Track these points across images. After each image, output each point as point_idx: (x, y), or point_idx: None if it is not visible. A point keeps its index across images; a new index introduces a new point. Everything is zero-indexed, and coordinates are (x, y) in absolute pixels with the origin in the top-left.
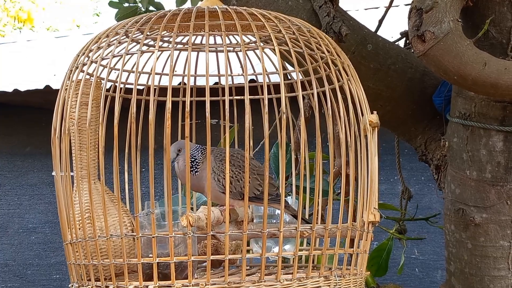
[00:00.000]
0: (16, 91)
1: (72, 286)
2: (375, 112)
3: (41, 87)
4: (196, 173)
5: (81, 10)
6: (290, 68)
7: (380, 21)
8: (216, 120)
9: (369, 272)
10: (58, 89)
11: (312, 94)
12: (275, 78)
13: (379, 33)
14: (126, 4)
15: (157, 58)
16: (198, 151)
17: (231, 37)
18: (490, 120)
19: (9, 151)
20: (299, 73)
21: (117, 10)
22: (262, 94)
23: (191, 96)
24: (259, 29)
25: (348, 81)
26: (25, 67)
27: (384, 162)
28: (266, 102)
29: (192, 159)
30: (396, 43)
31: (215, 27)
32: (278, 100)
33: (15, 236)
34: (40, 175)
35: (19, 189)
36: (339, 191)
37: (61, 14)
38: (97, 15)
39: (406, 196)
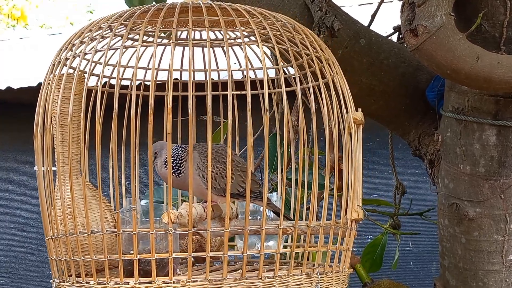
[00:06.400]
0: (9, 88)
1: (54, 281)
2: (360, 109)
3: (34, 84)
4: (180, 175)
5: (74, 8)
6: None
7: (373, 16)
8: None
9: (352, 270)
10: None
11: (296, 90)
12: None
13: (372, 28)
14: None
15: (141, 54)
16: (178, 149)
17: (217, 32)
18: (483, 114)
19: (0, 147)
20: (288, 69)
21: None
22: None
23: (177, 91)
24: (244, 25)
25: (333, 78)
26: (18, 64)
27: (378, 156)
28: (249, 99)
29: (173, 162)
30: (389, 37)
31: (199, 22)
32: (270, 94)
33: (7, 231)
34: (32, 170)
35: (10, 184)
36: (331, 187)
37: (55, 11)
38: (90, 12)
39: (400, 191)
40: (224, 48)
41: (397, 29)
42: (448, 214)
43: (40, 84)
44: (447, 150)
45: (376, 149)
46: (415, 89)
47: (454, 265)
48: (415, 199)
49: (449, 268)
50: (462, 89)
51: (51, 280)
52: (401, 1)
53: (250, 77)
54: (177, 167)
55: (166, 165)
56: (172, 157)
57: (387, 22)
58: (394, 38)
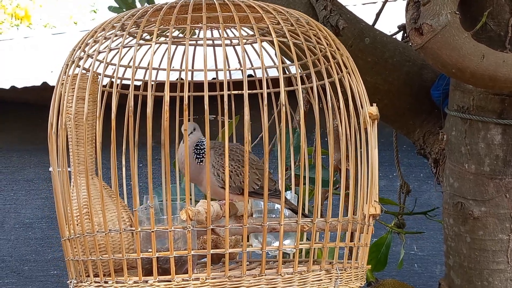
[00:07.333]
0: (13, 88)
1: (71, 282)
2: (374, 104)
3: (38, 83)
4: (201, 163)
5: (78, 7)
6: (287, 62)
7: (378, 15)
8: (214, 116)
9: (370, 266)
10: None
11: (311, 88)
12: (273, 73)
13: (376, 26)
14: (125, 10)
15: (154, 52)
16: (203, 143)
17: (228, 30)
18: (488, 113)
19: (5, 147)
20: (298, 67)
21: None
22: (260, 88)
23: (188, 91)
24: (257, 21)
25: (348, 74)
26: (22, 64)
27: (382, 158)
28: (265, 94)
29: (201, 147)
30: (394, 36)
31: (213, 19)
32: (276, 94)
33: (12, 231)
34: (36, 170)
35: (15, 184)
36: (338, 185)
37: (58, 11)
38: (94, 11)
39: (405, 190)
40: (236, 46)
41: (401, 28)
42: (453, 213)
43: (44, 83)
44: (452, 149)
45: (380, 150)
46: (420, 88)
47: (459, 264)
48: (420, 203)
49: (454, 267)
50: (467, 88)
51: (68, 281)
52: (406, 0)
53: (257, 75)
54: (202, 154)
55: (193, 151)
56: (197, 145)
57: (391, 21)
58: (399, 37)
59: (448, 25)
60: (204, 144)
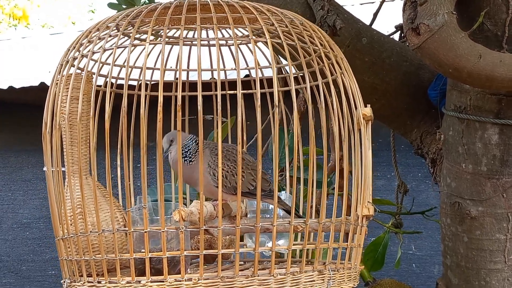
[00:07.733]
0: (11, 88)
1: (64, 282)
2: (368, 105)
3: (36, 84)
4: (191, 163)
5: (75, 7)
6: (283, 62)
7: (375, 15)
8: (212, 116)
9: (363, 266)
10: None
11: (305, 88)
12: (268, 72)
13: (373, 26)
14: (125, 6)
15: (149, 53)
16: (192, 141)
17: (223, 31)
18: (485, 113)
19: (3, 147)
20: (292, 67)
21: (116, 11)
22: (255, 88)
23: (183, 91)
24: (252, 22)
25: (342, 75)
26: (20, 64)
27: (380, 158)
28: (258, 95)
29: (186, 149)
30: (391, 36)
31: (207, 20)
32: (272, 94)
33: (9, 231)
34: (34, 170)
35: (12, 184)
36: (333, 186)
37: (56, 11)
38: (92, 12)
39: (402, 190)
40: (231, 46)
41: (399, 27)
42: (450, 213)
43: (42, 83)
44: (449, 149)
45: (378, 150)
46: (417, 88)
47: (456, 264)
48: (417, 203)
49: (451, 267)
50: (464, 88)
51: (61, 281)
52: (403, 0)
53: (253, 75)
54: (189, 155)
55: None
56: (184, 147)
57: (389, 21)
58: (396, 37)
59: (445, 25)
60: (189, 146)
